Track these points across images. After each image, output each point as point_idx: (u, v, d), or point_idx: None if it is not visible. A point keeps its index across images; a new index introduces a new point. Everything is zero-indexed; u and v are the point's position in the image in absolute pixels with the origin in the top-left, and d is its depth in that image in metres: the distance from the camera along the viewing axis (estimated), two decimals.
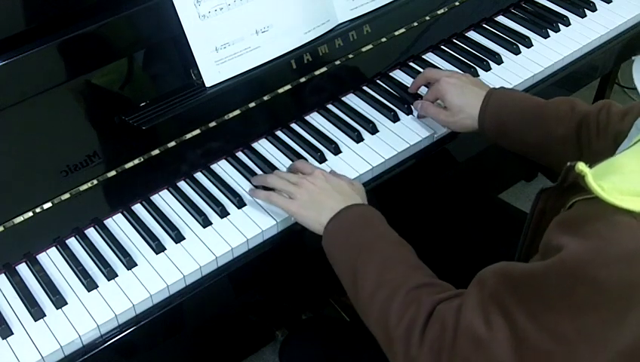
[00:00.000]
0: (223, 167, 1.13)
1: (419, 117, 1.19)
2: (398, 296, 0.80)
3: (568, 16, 1.39)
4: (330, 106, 1.22)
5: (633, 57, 0.82)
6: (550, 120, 1.03)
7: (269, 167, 1.11)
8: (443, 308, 0.76)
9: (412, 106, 1.20)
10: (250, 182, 1.08)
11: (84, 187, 1.02)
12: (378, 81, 1.27)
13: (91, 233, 1.04)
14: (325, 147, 1.14)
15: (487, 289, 0.70)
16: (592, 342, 0.63)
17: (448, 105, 1.13)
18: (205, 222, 1.03)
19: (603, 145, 0.97)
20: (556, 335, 0.64)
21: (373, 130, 1.17)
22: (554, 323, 0.64)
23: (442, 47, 1.34)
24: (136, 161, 1.05)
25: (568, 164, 0.68)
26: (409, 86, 1.24)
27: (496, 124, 1.08)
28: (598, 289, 0.61)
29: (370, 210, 0.96)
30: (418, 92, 1.23)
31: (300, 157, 1.12)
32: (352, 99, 1.24)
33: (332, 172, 1.04)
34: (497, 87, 1.14)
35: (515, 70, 1.28)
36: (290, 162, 1.11)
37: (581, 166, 0.65)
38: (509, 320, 0.67)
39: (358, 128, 1.17)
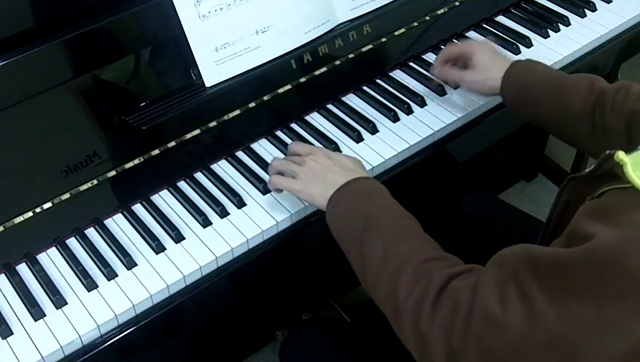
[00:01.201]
0: (223, 167, 1.13)
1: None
2: (407, 269, 0.79)
3: (568, 16, 1.39)
4: (330, 106, 1.22)
5: None
6: (569, 93, 1.04)
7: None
8: (457, 285, 0.74)
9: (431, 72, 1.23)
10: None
11: (84, 187, 1.02)
12: (378, 81, 1.27)
13: (91, 233, 1.04)
14: (325, 147, 1.14)
15: (507, 269, 0.69)
16: (615, 331, 0.62)
17: (476, 62, 1.15)
18: (205, 222, 1.03)
19: (615, 121, 0.98)
20: (577, 322, 0.63)
21: (373, 130, 1.17)
22: (577, 310, 0.63)
23: (442, 47, 1.34)
24: (136, 161, 1.05)
25: (607, 152, 0.67)
26: (409, 86, 1.24)
27: (516, 90, 1.09)
28: (628, 279, 0.61)
29: (373, 182, 0.96)
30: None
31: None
32: (352, 99, 1.24)
33: (332, 152, 1.04)
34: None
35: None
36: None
37: (621, 155, 0.64)
38: (527, 303, 0.66)
39: (358, 128, 1.17)
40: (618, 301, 0.61)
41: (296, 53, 1.15)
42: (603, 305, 0.62)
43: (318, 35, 1.17)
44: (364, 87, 1.26)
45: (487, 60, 1.14)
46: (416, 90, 1.24)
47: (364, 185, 0.94)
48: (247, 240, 1.01)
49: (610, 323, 0.62)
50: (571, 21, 1.39)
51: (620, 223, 0.62)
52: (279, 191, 1.04)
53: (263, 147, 1.16)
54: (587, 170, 0.72)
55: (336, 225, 0.93)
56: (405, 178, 1.16)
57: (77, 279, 0.97)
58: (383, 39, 1.25)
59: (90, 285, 0.96)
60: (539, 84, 1.07)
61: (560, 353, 0.65)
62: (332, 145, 1.14)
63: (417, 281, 0.77)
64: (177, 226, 1.03)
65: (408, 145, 1.14)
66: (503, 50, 1.32)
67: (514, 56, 1.31)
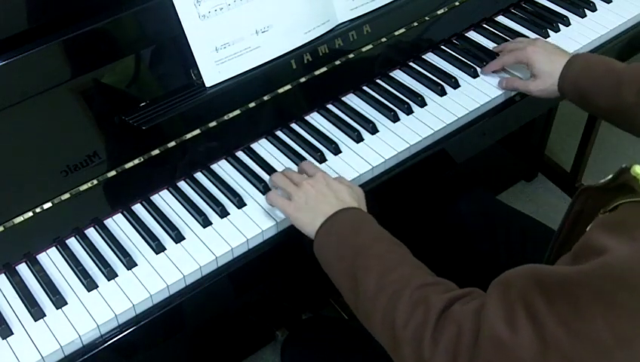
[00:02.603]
0: (222, 167, 1.13)
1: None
2: (403, 296, 0.78)
3: (568, 16, 1.39)
4: (330, 106, 1.22)
5: None
6: (623, 87, 1.04)
7: (268, 167, 1.11)
8: (458, 309, 0.73)
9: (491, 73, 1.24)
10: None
11: (84, 187, 1.02)
12: (378, 81, 1.27)
13: (91, 233, 1.04)
14: (325, 147, 1.14)
15: (514, 292, 0.67)
16: (628, 349, 0.61)
17: (537, 72, 1.16)
18: (205, 222, 1.03)
19: None
20: (590, 342, 0.62)
21: (373, 130, 1.17)
22: (588, 330, 0.61)
23: (442, 47, 1.34)
24: (136, 161, 1.05)
25: (624, 165, 0.66)
26: (409, 86, 1.24)
27: (574, 89, 1.11)
28: None
29: (361, 213, 0.95)
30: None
31: (300, 157, 1.12)
32: (352, 99, 1.24)
33: (338, 178, 1.03)
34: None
35: (515, 70, 1.28)
36: (290, 162, 1.12)
37: (638, 168, 0.63)
38: (536, 325, 0.64)
39: (358, 128, 1.17)
40: (632, 318, 0.60)
41: (296, 53, 1.15)
42: (616, 323, 0.61)
43: (318, 35, 1.17)
44: (364, 87, 1.25)
45: (547, 67, 1.14)
46: (416, 90, 1.24)
47: (353, 216, 0.93)
48: (247, 240, 1.01)
49: (623, 341, 0.61)
50: (571, 21, 1.39)
51: (635, 238, 0.60)
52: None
53: (263, 147, 1.16)
54: (602, 181, 0.70)
55: (325, 257, 0.92)
56: (405, 178, 1.16)
57: (77, 279, 0.97)
58: (383, 39, 1.25)
59: (90, 285, 0.96)
60: (593, 80, 1.08)
61: None
62: (332, 145, 1.14)
63: (415, 308, 0.76)
64: (177, 226, 1.03)
65: (408, 145, 1.14)
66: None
67: None
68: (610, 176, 0.68)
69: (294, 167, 1.11)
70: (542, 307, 0.64)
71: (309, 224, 0.94)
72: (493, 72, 1.25)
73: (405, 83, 1.26)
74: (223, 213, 1.05)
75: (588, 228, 0.68)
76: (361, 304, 0.84)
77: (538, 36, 1.35)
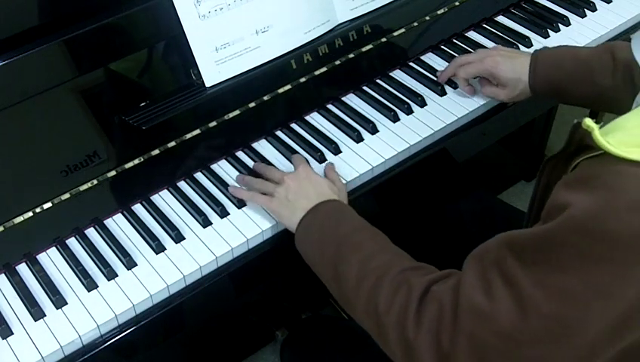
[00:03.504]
0: (222, 167, 1.13)
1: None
2: (384, 282, 0.79)
3: (568, 16, 1.39)
4: (330, 106, 1.22)
5: (631, 35, 0.83)
6: (595, 74, 1.04)
7: None
8: (438, 289, 0.75)
9: (461, 87, 1.22)
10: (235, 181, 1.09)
11: (84, 187, 1.02)
12: (378, 81, 1.27)
13: (91, 233, 1.04)
14: (325, 147, 1.14)
15: (488, 261, 0.69)
16: (602, 297, 0.62)
17: (503, 81, 1.15)
18: (205, 222, 1.03)
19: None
20: (565, 296, 0.63)
21: (373, 130, 1.17)
22: (562, 284, 0.63)
23: (442, 47, 1.34)
24: (136, 161, 1.05)
25: (575, 121, 0.68)
26: (409, 86, 1.25)
27: (547, 86, 1.11)
28: (608, 241, 0.61)
29: (340, 204, 0.96)
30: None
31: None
32: (352, 99, 1.24)
33: (330, 166, 1.06)
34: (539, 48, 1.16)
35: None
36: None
37: (588, 121, 0.65)
38: (513, 289, 0.66)
39: (358, 128, 1.17)
40: (602, 266, 0.61)
41: (296, 53, 1.15)
42: (587, 274, 0.62)
43: (318, 35, 1.17)
44: (364, 87, 1.25)
45: (511, 74, 1.13)
46: (416, 90, 1.24)
47: (332, 208, 0.95)
48: (247, 240, 1.01)
49: (597, 291, 0.62)
50: (571, 21, 1.39)
51: (595, 188, 0.62)
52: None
53: (263, 147, 1.16)
54: (562, 146, 0.72)
55: (306, 249, 0.94)
56: (405, 178, 1.16)
57: (77, 279, 0.97)
58: (383, 39, 1.25)
59: (90, 285, 0.96)
60: (566, 75, 1.08)
61: (555, 333, 0.64)
62: (332, 145, 1.14)
63: (397, 292, 0.77)
64: (177, 226, 1.03)
65: (408, 145, 1.14)
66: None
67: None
68: (567, 137, 0.70)
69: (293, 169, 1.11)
70: (516, 270, 0.66)
71: (289, 218, 0.97)
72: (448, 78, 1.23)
73: (405, 83, 1.26)
74: (223, 213, 1.05)
75: (553, 190, 0.69)
76: (344, 293, 0.86)
77: (538, 36, 1.35)
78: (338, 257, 0.87)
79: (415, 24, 1.28)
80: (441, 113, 1.19)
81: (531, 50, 1.32)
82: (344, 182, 1.07)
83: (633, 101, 0.78)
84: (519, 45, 1.33)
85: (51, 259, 1.00)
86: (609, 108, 1.08)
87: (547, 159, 0.77)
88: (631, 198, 0.60)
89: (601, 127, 0.66)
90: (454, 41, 1.36)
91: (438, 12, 1.31)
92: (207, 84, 1.08)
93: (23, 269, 0.99)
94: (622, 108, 1.01)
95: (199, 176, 1.11)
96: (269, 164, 1.11)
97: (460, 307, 0.70)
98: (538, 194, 0.80)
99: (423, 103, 1.21)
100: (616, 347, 0.66)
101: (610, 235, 0.60)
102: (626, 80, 1.01)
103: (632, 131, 0.64)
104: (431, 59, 1.32)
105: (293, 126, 1.19)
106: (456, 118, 1.18)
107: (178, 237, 1.01)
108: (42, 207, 0.99)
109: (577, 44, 1.33)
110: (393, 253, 0.86)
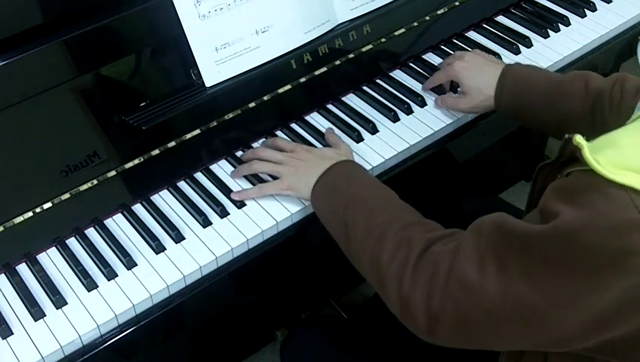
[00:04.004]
0: (223, 167, 1.13)
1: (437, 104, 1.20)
2: (388, 236, 0.83)
3: (568, 16, 1.39)
4: (330, 106, 1.22)
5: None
6: (565, 98, 1.04)
7: None
8: (437, 250, 0.78)
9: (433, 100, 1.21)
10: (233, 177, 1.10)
11: (84, 187, 1.02)
12: (378, 81, 1.27)
13: (91, 233, 1.04)
14: (325, 147, 1.14)
15: (485, 238, 0.73)
16: (577, 302, 0.66)
17: (466, 89, 1.14)
18: (205, 222, 1.03)
19: (617, 121, 0.98)
20: (545, 292, 0.67)
21: (373, 130, 1.17)
22: (544, 281, 0.67)
23: (442, 47, 1.34)
24: (136, 161, 1.05)
25: (566, 136, 0.70)
26: (409, 86, 1.25)
27: (512, 103, 1.09)
28: (586, 255, 0.64)
29: (351, 164, 1.01)
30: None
31: None
32: (352, 99, 1.24)
33: (329, 130, 1.12)
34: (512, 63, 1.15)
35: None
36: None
37: (578, 138, 0.67)
38: (502, 272, 0.70)
39: (358, 128, 1.17)
40: (579, 275, 0.65)
41: (296, 53, 1.15)
42: (565, 279, 0.66)
43: (318, 35, 1.17)
44: (364, 87, 1.25)
45: (474, 83, 1.13)
46: (416, 90, 1.24)
47: (343, 168, 0.99)
48: (247, 240, 1.01)
49: (573, 295, 0.66)
50: (571, 21, 1.39)
51: (581, 204, 0.65)
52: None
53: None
54: (555, 157, 0.75)
55: (320, 209, 0.98)
56: (405, 178, 1.16)
57: (77, 279, 0.97)
58: (383, 39, 1.25)
59: (90, 285, 0.96)
60: (532, 94, 1.07)
61: (532, 320, 0.69)
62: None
63: (399, 247, 0.81)
64: (177, 226, 1.03)
65: (408, 145, 1.14)
66: (501, 48, 1.32)
67: (514, 55, 1.31)
68: (559, 149, 0.73)
69: None
70: (509, 256, 0.70)
71: (305, 187, 1.00)
72: (431, 89, 1.23)
73: (405, 83, 1.26)
74: (223, 213, 1.05)
75: (547, 189, 0.72)
76: (352, 248, 0.89)
77: (538, 36, 1.35)
78: (347, 214, 0.90)
79: (415, 24, 1.28)
80: (441, 113, 1.19)
81: (531, 50, 1.32)
82: None
83: (633, 111, 0.79)
84: (519, 45, 1.33)
85: (51, 259, 1.00)
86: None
87: (541, 165, 0.80)
88: (614, 220, 0.63)
89: (592, 139, 0.68)
90: (454, 41, 1.36)
91: (438, 12, 1.31)
92: (207, 84, 1.08)
93: (22, 269, 0.99)
94: None
95: (199, 176, 1.11)
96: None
97: (452, 274, 0.74)
98: (534, 196, 0.83)
99: (422, 103, 1.21)
100: (593, 339, 0.69)
101: (590, 250, 0.64)
102: (594, 111, 1.01)
103: (624, 151, 0.66)
104: (431, 59, 1.32)
105: (293, 126, 1.19)
106: (456, 117, 1.18)
107: (178, 237, 1.01)
108: (42, 207, 0.99)
109: (577, 44, 1.33)
110: (400, 208, 0.90)
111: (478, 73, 1.13)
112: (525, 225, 0.70)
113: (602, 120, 1.00)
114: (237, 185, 1.09)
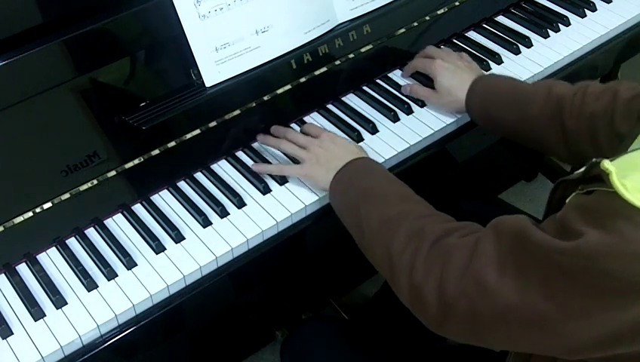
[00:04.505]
0: (222, 167, 1.13)
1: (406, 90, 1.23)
2: (401, 227, 0.84)
3: (568, 16, 1.39)
4: (330, 106, 1.22)
5: None
6: (527, 103, 1.06)
7: None
8: (451, 242, 0.78)
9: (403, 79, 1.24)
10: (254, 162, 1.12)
11: (84, 187, 1.02)
12: (378, 81, 1.27)
13: (91, 233, 1.04)
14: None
15: (505, 242, 0.72)
16: (592, 319, 0.67)
17: (438, 86, 1.18)
18: (205, 222, 1.03)
19: (577, 126, 1.00)
20: (561, 305, 0.67)
21: (373, 130, 1.17)
22: (562, 295, 0.67)
23: (442, 47, 1.34)
24: (136, 161, 1.05)
25: (593, 160, 0.69)
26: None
27: (481, 110, 1.12)
28: (608, 279, 0.64)
29: (370, 160, 1.02)
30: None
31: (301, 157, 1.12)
32: (352, 99, 1.24)
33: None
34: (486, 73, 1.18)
35: (515, 70, 1.28)
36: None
37: (606, 164, 0.66)
38: (521, 279, 0.70)
39: (358, 128, 1.17)
40: (598, 296, 0.66)
41: (296, 53, 1.15)
42: (583, 296, 0.66)
43: (318, 35, 1.17)
44: (364, 87, 1.26)
45: (447, 84, 1.16)
46: None
47: (362, 163, 1.01)
48: (247, 240, 1.01)
49: (589, 312, 0.66)
50: (571, 21, 1.39)
51: (606, 227, 0.65)
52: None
53: (263, 147, 1.16)
54: (576, 172, 0.74)
55: (337, 202, 1.00)
56: (405, 178, 1.15)
57: (77, 279, 0.97)
58: (383, 39, 1.25)
59: (90, 285, 0.96)
60: (499, 101, 1.10)
61: (544, 328, 0.69)
62: None
63: (412, 237, 0.82)
64: (177, 226, 1.03)
65: (408, 145, 1.14)
66: (501, 48, 1.32)
67: (514, 55, 1.31)
68: (582, 169, 0.72)
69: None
70: (529, 265, 0.70)
71: (324, 178, 1.02)
72: (410, 75, 1.26)
73: (405, 83, 1.26)
74: (223, 213, 1.05)
75: (567, 201, 0.73)
76: (366, 240, 0.90)
77: (538, 36, 1.35)
78: (361, 206, 0.92)
79: (415, 24, 1.28)
80: (441, 113, 1.19)
81: (531, 50, 1.33)
82: None
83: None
84: (519, 45, 1.33)
85: (51, 259, 1.00)
86: (537, 145, 1.08)
87: (561, 180, 0.79)
88: (638, 248, 0.63)
89: (612, 159, 0.67)
90: (454, 41, 1.36)
91: (438, 12, 1.31)
92: (207, 84, 1.08)
93: (23, 269, 0.99)
94: (549, 148, 1.04)
95: (199, 176, 1.11)
96: (270, 164, 1.11)
97: (469, 270, 0.74)
98: (553, 205, 0.81)
99: (423, 103, 1.21)
100: (602, 353, 0.70)
101: (612, 275, 0.64)
102: (554, 115, 1.02)
103: None
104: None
105: (293, 126, 1.19)
106: (456, 117, 1.18)
107: (178, 237, 1.01)
108: (42, 207, 0.99)
109: (577, 44, 1.33)
110: (414, 201, 0.91)
111: (454, 76, 1.16)
112: (546, 237, 0.69)
113: (563, 127, 1.01)
114: (237, 184, 1.09)
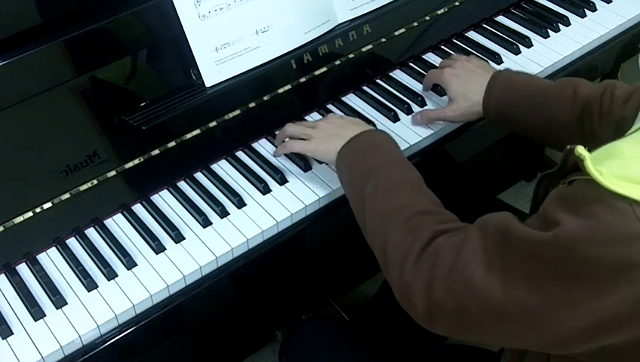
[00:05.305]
0: (223, 167, 1.13)
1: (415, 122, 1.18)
2: (400, 221, 0.83)
3: (568, 16, 1.39)
4: (330, 106, 1.22)
5: None
6: (552, 105, 1.03)
7: (269, 167, 1.11)
8: (441, 242, 0.78)
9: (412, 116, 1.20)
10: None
11: (84, 187, 1.02)
12: (378, 81, 1.27)
13: (91, 233, 1.04)
14: None
15: (490, 239, 0.73)
16: (575, 309, 0.67)
17: (452, 95, 1.14)
18: (205, 222, 1.03)
19: (605, 130, 0.98)
20: (545, 297, 0.68)
21: None
22: (546, 287, 0.67)
23: (442, 47, 1.34)
24: (136, 161, 1.05)
25: (568, 147, 0.70)
26: (409, 86, 1.25)
27: (499, 109, 1.09)
28: (587, 265, 0.65)
29: (383, 135, 1.00)
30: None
31: (300, 156, 1.12)
32: (352, 99, 1.24)
33: None
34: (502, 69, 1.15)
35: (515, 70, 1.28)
36: (290, 162, 1.12)
37: (580, 149, 0.67)
38: (507, 274, 0.70)
39: None
40: (578, 283, 0.66)
41: (296, 53, 1.15)
42: (565, 285, 0.66)
43: (318, 35, 1.17)
44: (364, 87, 1.26)
45: (460, 90, 1.12)
46: (416, 90, 1.24)
47: (374, 136, 0.99)
48: (247, 240, 1.01)
49: (573, 302, 0.67)
50: (571, 21, 1.39)
51: (582, 214, 0.65)
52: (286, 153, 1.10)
53: (263, 147, 1.16)
54: (556, 166, 0.75)
55: (343, 177, 0.98)
56: None
57: (77, 279, 0.97)
58: (383, 39, 1.25)
59: (90, 285, 0.96)
60: (520, 100, 1.06)
61: (530, 322, 0.70)
62: None
63: (407, 234, 0.82)
64: (177, 226, 1.03)
65: (408, 145, 1.14)
66: (501, 48, 1.32)
67: (514, 55, 1.31)
68: (561, 160, 0.73)
69: (295, 168, 1.11)
70: (514, 259, 0.70)
71: (332, 149, 0.99)
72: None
73: (405, 83, 1.26)
74: (223, 213, 1.05)
75: (549, 194, 0.72)
76: (367, 224, 0.90)
77: (538, 36, 1.35)
78: (367, 188, 0.90)
79: (415, 24, 1.28)
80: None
81: (531, 50, 1.32)
82: None
83: (634, 120, 0.79)
84: (519, 45, 1.33)
85: (51, 259, 1.00)
86: (556, 144, 1.06)
87: (543, 175, 0.80)
88: (615, 233, 0.63)
89: (594, 150, 0.68)
90: (454, 41, 1.36)
91: (438, 12, 1.31)
92: (207, 84, 1.08)
93: (23, 269, 0.99)
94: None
95: (199, 176, 1.11)
96: (269, 164, 1.11)
97: (455, 267, 0.74)
98: (537, 202, 0.82)
99: (422, 103, 1.21)
100: (588, 345, 0.70)
101: (591, 261, 0.64)
102: (582, 119, 1.00)
103: (627, 162, 0.66)
104: (431, 59, 1.32)
105: None
106: None
107: (178, 237, 1.01)
108: (42, 207, 0.99)
109: (578, 44, 1.33)
110: (419, 192, 0.89)
111: (467, 80, 1.12)
112: (527, 231, 0.70)
113: (590, 128, 1.00)
114: (237, 184, 1.09)
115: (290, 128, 1.09)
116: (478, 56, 1.30)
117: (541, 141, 1.09)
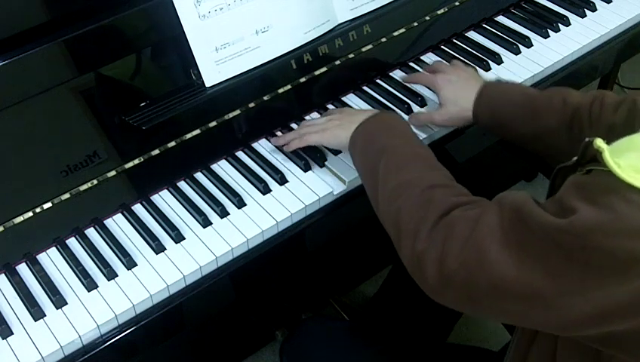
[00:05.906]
0: (223, 167, 1.13)
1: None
2: (413, 194, 0.84)
3: (568, 16, 1.39)
4: (330, 106, 1.22)
5: None
6: (542, 113, 1.04)
7: (269, 167, 1.11)
8: (458, 214, 0.79)
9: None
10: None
11: (84, 187, 1.02)
12: (378, 81, 1.27)
13: (91, 233, 1.04)
14: (325, 147, 1.14)
15: (507, 217, 0.73)
16: (587, 296, 0.67)
17: (443, 100, 1.15)
18: (205, 222, 1.03)
19: (595, 136, 0.98)
20: (556, 281, 0.68)
21: None
22: (558, 271, 0.68)
23: (442, 47, 1.34)
24: (136, 161, 1.05)
25: (587, 139, 0.70)
26: (409, 86, 1.25)
27: (489, 116, 1.10)
28: (602, 256, 0.65)
29: (394, 116, 1.02)
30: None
31: (300, 157, 1.12)
32: (352, 99, 1.24)
33: None
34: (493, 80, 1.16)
35: (515, 70, 1.28)
36: (290, 162, 1.12)
37: (599, 142, 0.67)
38: (521, 253, 0.70)
39: None
40: (591, 273, 0.66)
41: (296, 53, 1.15)
42: (580, 273, 0.67)
43: (318, 35, 1.17)
44: (364, 87, 1.26)
45: (451, 95, 1.14)
46: (416, 90, 1.24)
47: (386, 117, 1.01)
48: (247, 240, 1.01)
49: (583, 288, 0.67)
50: (571, 21, 1.39)
51: (599, 204, 0.65)
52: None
53: (263, 147, 1.16)
54: (574, 158, 0.75)
55: (356, 157, 0.99)
56: None
57: (77, 279, 0.97)
58: (383, 39, 1.25)
59: (90, 285, 0.96)
60: (510, 108, 1.08)
61: (534, 302, 0.70)
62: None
63: (421, 206, 0.82)
64: (177, 226, 1.03)
65: None
66: (501, 48, 1.32)
67: (514, 55, 1.31)
68: (578, 153, 0.74)
69: (295, 168, 1.11)
70: (530, 241, 0.70)
71: (345, 133, 1.01)
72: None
73: (405, 83, 1.26)
74: (223, 213, 1.05)
75: (567, 180, 0.73)
76: (380, 200, 0.90)
77: (538, 36, 1.35)
78: (380, 166, 0.91)
79: (415, 24, 1.28)
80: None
81: (531, 50, 1.33)
82: (346, 180, 1.07)
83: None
84: (519, 45, 1.33)
85: (51, 259, 1.00)
86: (545, 151, 1.07)
87: (559, 168, 0.80)
88: (630, 225, 0.63)
89: (613, 142, 0.68)
90: (454, 41, 1.36)
91: (438, 12, 1.31)
92: (207, 84, 1.08)
93: (23, 269, 0.99)
94: (560, 157, 1.03)
95: (199, 176, 1.11)
96: (269, 164, 1.11)
97: (470, 241, 0.74)
98: (555, 193, 0.81)
99: (422, 103, 1.21)
100: (596, 330, 0.70)
101: (604, 251, 0.64)
102: (572, 126, 1.01)
103: None
104: (431, 59, 1.32)
105: (294, 126, 1.19)
106: None
107: (178, 237, 1.01)
108: (42, 207, 0.99)
109: (577, 44, 1.33)
110: (431, 167, 0.91)
111: (459, 87, 1.14)
112: (544, 215, 0.70)
113: (580, 137, 1.00)
114: (237, 184, 1.09)
115: (302, 128, 1.11)
116: (478, 56, 1.31)
117: (530, 148, 1.10)
